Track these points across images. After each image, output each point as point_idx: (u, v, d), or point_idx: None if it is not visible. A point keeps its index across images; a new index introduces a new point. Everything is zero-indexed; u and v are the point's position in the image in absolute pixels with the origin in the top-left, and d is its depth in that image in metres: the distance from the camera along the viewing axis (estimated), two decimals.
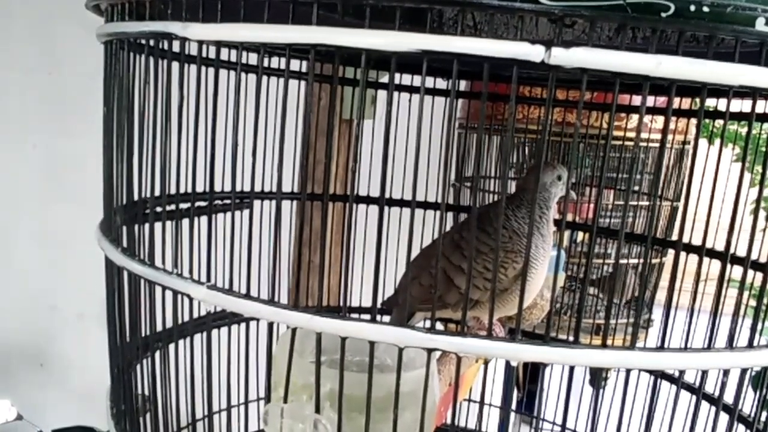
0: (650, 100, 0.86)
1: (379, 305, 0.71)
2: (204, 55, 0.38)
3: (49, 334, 1.32)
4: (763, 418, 0.52)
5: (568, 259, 1.21)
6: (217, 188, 0.40)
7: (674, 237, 1.11)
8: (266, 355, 0.40)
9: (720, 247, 0.51)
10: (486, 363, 0.46)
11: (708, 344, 0.40)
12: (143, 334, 0.47)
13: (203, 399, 0.43)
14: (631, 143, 1.10)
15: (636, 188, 1.27)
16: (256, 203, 0.67)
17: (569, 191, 0.41)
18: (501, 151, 1.20)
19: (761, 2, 0.32)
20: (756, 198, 0.61)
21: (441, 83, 0.73)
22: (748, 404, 0.57)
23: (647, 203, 1.25)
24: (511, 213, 0.68)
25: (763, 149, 1.16)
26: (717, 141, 0.85)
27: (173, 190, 0.42)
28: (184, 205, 0.43)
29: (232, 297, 0.38)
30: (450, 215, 0.89)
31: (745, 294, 0.42)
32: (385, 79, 0.72)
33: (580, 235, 1.22)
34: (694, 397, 0.43)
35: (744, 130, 1.47)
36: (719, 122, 0.88)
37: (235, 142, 0.39)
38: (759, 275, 0.44)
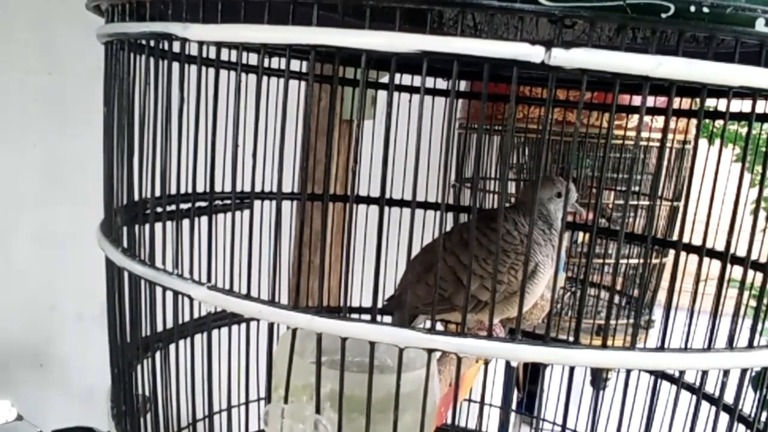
0: (650, 100, 0.86)
1: (379, 305, 0.71)
2: (204, 55, 0.38)
3: (48, 334, 1.32)
4: (763, 418, 0.52)
5: (568, 259, 1.21)
6: (218, 188, 0.40)
7: (674, 237, 1.11)
8: (267, 356, 0.40)
9: (720, 247, 0.51)
10: (486, 363, 0.46)
11: (708, 344, 0.40)
12: (144, 335, 0.47)
13: (204, 399, 0.43)
14: (631, 143, 1.10)
15: (636, 188, 1.26)
16: (257, 203, 0.67)
17: (566, 207, 0.41)
18: (501, 151, 1.20)
19: (761, 3, 0.32)
20: (756, 198, 0.61)
21: (441, 83, 0.73)
22: (748, 404, 0.57)
23: (647, 203, 1.25)
24: (518, 219, 0.68)
25: (763, 149, 1.16)
26: (717, 141, 0.85)
27: (174, 191, 0.42)
28: (184, 206, 0.43)
29: (233, 297, 0.38)
30: (450, 215, 0.89)
31: (745, 294, 0.42)
32: (385, 79, 0.72)
33: (580, 236, 1.22)
34: (695, 398, 0.43)
35: (744, 131, 1.47)
36: (719, 122, 0.88)
37: (235, 143, 0.39)
38: (759, 275, 0.44)
